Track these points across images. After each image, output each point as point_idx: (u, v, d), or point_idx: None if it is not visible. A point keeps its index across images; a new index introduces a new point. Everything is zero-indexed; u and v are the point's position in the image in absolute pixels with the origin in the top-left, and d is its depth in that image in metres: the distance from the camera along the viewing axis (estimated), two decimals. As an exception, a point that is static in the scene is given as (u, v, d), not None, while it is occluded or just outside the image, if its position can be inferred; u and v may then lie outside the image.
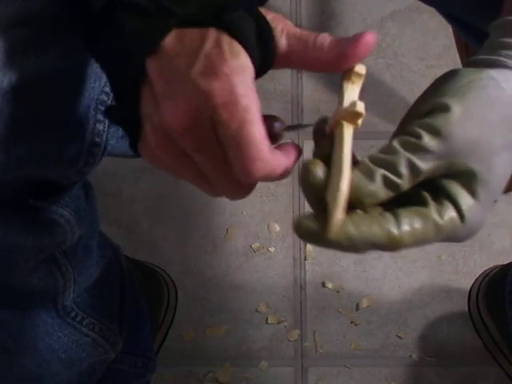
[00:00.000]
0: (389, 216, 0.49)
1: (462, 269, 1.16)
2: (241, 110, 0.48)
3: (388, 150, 0.49)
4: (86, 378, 0.91)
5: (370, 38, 0.50)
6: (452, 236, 0.50)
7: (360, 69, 0.52)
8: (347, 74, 0.52)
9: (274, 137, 0.52)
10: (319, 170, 0.49)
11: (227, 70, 0.48)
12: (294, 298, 1.15)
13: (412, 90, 1.30)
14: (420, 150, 0.48)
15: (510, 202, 1.20)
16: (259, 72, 0.51)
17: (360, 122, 0.51)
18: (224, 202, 1.21)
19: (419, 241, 0.49)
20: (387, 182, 0.48)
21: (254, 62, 0.50)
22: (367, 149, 1.25)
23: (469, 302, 1.11)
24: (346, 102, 0.51)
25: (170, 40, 0.50)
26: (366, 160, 0.49)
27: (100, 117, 0.67)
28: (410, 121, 0.51)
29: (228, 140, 0.49)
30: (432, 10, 0.84)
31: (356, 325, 1.13)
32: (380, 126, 1.27)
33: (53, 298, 0.79)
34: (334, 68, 0.51)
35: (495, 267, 1.12)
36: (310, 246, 1.17)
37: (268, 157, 0.49)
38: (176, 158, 0.51)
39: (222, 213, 1.21)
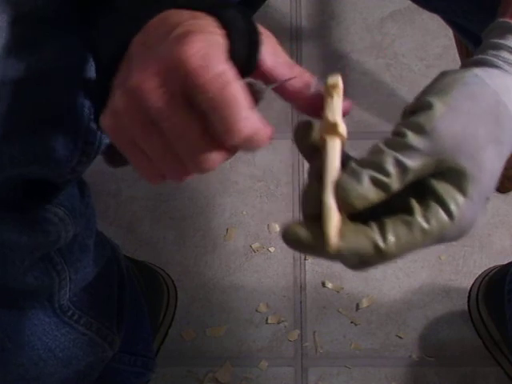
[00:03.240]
0: (374, 226, 0.48)
1: (461, 269, 1.16)
2: (217, 73, 0.47)
3: (374, 150, 0.49)
4: (84, 376, 0.91)
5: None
6: (444, 237, 0.50)
7: (333, 81, 0.52)
8: (325, 89, 0.52)
9: (254, 97, 0.51)
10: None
11: (203, 38, 0.47)
12: (293, 297, 1.15)
13: (412, 90, 1.30)
14: (405, 147, 0.48)
15: (510, 202, 1.20)
16: (243, 71, 0.50)
17: (342, 131, 0.51)
18: (224, 201, 1.21)
19: (407, 249, 0.48)
20: (376, 182, 0.48)
21: (234, 57, 0.49)
22: (367, 149, 1.25)
23: (468, 301, 1.11)
24: (332, 115, 0.51)
25: (159, 17, 0.50)
26: (352, 163, 0.49)
27: (94, 115, 0.67)
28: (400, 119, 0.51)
29: (207, 103, 0.47)
30: (432, 9, 0.84)
31: (356, 325, 1.13)
32: (380, 126, 1.27)
33: (49, 296, 0.79)
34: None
35: (495, 267, 1.12)
36: (309, 246, 1.17)
37: (252, 115, 0.48)
38: (141, 126, 0.49)
39: (222, 213, 1.21)
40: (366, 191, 0.48)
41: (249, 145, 0.50)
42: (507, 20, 0.54)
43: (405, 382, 1.09)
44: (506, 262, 1.09)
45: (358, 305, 1.14)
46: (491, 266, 1.13)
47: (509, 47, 0.53)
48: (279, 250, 1.18)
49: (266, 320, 1.13)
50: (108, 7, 0.53)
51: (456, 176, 0.49)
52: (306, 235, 0.48)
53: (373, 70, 1.32)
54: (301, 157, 1.29)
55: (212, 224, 1.20)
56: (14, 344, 0.83)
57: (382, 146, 0.49)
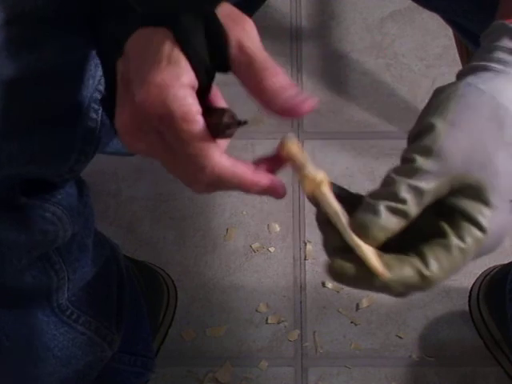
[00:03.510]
0: (413, 255, 0.49)
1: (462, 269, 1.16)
2: (175, 121, 0.48)
3: (386, 182, 0.50)
4: (83, 376, 0.91)
5: (311, 105, 0.50)
6: (481, 251, 0.50)
7: (292, 146, 0.53)
8: (286, 153, 0.53)
9: (219, 132, 0.51)
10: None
11: (160, 80, 0.48)
12: (293, 297, 1.15)
13: (412, 90, 1.30)
14: (416, 172, 0.49)
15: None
16: (210, 75, 0.51)
17: (324, 179, 0.52)
18: (224, 201, 1.21)
19: (449, 272, 0.49)
20: (393, 211, 0.49)
21: (196, 68, 0.50)
22: (367, 149, 1.25)
23: (469, 301, 1.11)
24: (308, 171, 0.51)
25: (130, 41, 0.51)
26: (367, 197, 0.50)
27: (93, 115, 0.67)
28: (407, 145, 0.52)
29: (173, 145, 0.50)
30: (432, 10, 0.84)
31: (356, 325, 1.13)
32: (380, 126, 1.27)
33: (47, 296, 0.79)
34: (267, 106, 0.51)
35: (496, 267, 1.12)
36: (310, 246, 1.17)
37: (215, 163, 0.50)
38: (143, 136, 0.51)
39: (222, 213, 1.21)
40: (385, 222, 0.48)
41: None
42: (503, 22, 0.54)
43: (405, 382, 1.09)
44: (506, 262, 1.09)
45: (358, 305, 1.14)
46: (491, 265, 1.13)
47: (502, 47, 0.53)
48: (279, 250, 1.18)
49: (266, 320, 1.13)
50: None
51: (474, 189, 0.49)
52: (353, 270, 0.49)
53: (373, 70, 1.32)
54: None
55: (212, 224, 1.20)
56: (13, 343, 0.83)
57: (392, 175, 0.49)
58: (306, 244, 1.17)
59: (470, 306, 1.11)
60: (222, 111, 0.51)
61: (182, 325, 1.13)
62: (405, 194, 0.48)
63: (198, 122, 0.49)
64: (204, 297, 1.15)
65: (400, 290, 0.49)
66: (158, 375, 1.09)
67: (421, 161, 0.49)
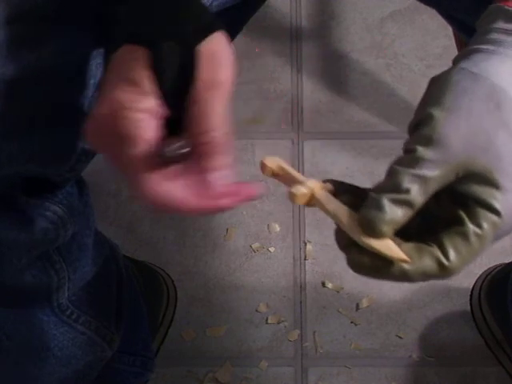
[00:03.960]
0: (433, 245, 0.49)
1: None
2: (122, 141, 0.51)
3: (388, 174, 0.50)
4: (83, 376, 0.91)
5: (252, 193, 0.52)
6: (498, 235, 0.50)
7: (276, 164, 0.54)
8: (271, 171, 0.54)
9: (163, 160, 0.52)
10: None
11: (119, 99, 0.51)
12: (293, 297, 1.15)
13: (412, 90, 1.29)
14: (418, 162, 0.49)
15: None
16: (176, 106, 0.52)
17: (318, 188, 0.52)
18: (224, 201, 1.21)
19: (468, 259, 0.49)
20: (397, 202, 0.49)
21: (163, 96, 0.51)
22: (367, 149, 1.25)
23: (471, 300, 1.11)
24: (295, 188, 0.52)
25: (115, 55, 0.53)
26: (370, 193, 0.50)
27: None
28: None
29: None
30: (432, 10, 0.84)
31: (356, 325, 1.13)
32: (380, 126, 1.27)
33: (47, 295, 0.79)
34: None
35: (497, 266, 1.12)
36: (310, 246, 1.17)
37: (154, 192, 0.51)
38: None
39: (222, 213, 1.21)
40: (390, 216, 0.48)
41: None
42: (498, 4, 0.53)
43: (405, 382, 1.09)
44: (506, 262, 1.09)
45: (358, 305, 1.14)
46: (491, 265, 1.13)
47: (497, 28, 0.52)
48: (279, 250, 1.18)
49: (266, 320, 1.13)
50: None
51: (481, 174, 0.49)
52: (369, 261, 0.49)
53: (373, 70, 1.32)
54: (301, 157, 1.29)
55: (212, 224, 1.20)
56: (13, 343, 0.83)
57: (394, 166, 0.49)
58: (305, 244, 1.17)
59: (471, 305, 1.11)
60: (175, 142, 0.52)
61: (181, 325, 1.13)
62: (408, 184, 0.48)
63: (141, 147, 0.51)
64: (204, 297, 1.15)
65: (419, 279, 0.49)
66: (158, 375, 1.09)
67: (422, 150, 0.49)
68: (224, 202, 0.52)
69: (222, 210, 0.53)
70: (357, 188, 0.53)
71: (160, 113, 0.52)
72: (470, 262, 0.49)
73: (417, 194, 0.48)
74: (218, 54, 0.52)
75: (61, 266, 0.77)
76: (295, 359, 1.11)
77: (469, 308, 1.11)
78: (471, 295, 1.11)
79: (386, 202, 0.48)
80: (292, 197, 0.52)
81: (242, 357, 1.11)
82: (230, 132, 0.52)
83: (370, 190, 0.51)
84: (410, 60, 1.33)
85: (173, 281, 1.14)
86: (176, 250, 1.18)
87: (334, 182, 0.53)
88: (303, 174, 1.28)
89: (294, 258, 1.17)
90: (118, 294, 0.94)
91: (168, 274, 1.14)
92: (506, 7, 0.53)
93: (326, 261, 1.16)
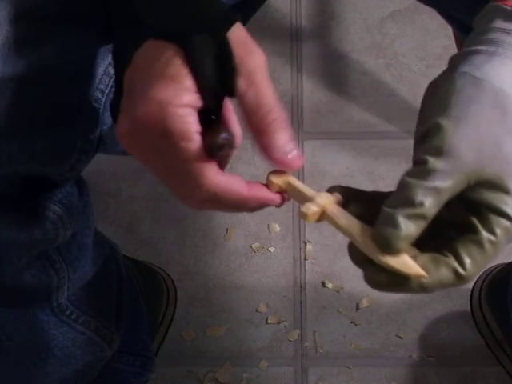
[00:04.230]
0: (447, 253, 0.50)
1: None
2: (173, 138, 0.50)
3: (400, 186, 0.50)
4: (83, 376, 0.91)
5: (299, 163, 0.53)
6: (510, 239, 0.50)
7: (281, 180, 0.54)
8: (278, 186, 0.54)
9: (213, 152, 0.52)
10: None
11: (161, 97, 0.50)
12: (293, 297, 1.15)
13: (412, 90, 1.30)
14: (430, 174, 0.49)
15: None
16: (218, 98, 0.52)
17: (329, 203, 0.52)
18: (224, 201, 1.21)
19: (483, 266, 0.50)
20: (412, 218, 0.49)
21: (202, 90, 0.51)
22: (367, 149, 1.25)
23: (471, 300, 1.11)
24: (305, 207, 0.52)
25: (140, 52, 0.52)
26: (384, 207, 0.50)
27: (94, 114, 0.67)
28: (416, 145, 0.52)
29: (170, 160, 0.52)
30: (432, 10, 0.84)
31: (356, 325, 1.13)
32: (380, 126, 1.27)
33: (47, 295, 0.79)
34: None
35: (498, 265, 1.11)
36: (310, 246, 1.17)
37: (209, 183, 0.52)
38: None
39: (222, 213, 1.20)
40: (406, 231, 0.49)
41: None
42: (496, 4, 0.53)
43: (405, 382, 1.09)
44: (506, 261, 1.09)
45: (358, 305, 1.14)
46: (491, 265, 1.13)
47: (495, 28, 0.52)
48: (279, 250, 1.18)
49: (266, 320, 1.13)
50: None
51: (491, 181, 0.49)
52: (386, 278, 0.50)
53: (373, 70, 1.32)
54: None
55: (212, 224, 1.20)
56: (12, 343, 0.83)
57: (406, 179, 0.49)
58: (305, 244, 1.17)
59: (471, 305, 1.11)
60: (220, 132, 0.52)
61: (181, 325, 1.13)
62: (421, 197, 0.48)
63: (195, 140, 0.50)
64: (204, 297, 1.15)
65: (437, 289, 0.50)
66: (158, 375, 1.09)
67: (433, 161, 0.49)
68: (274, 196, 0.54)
69: (269, 200, 0.54)
70: (363, 193, 0.54)
71: (200, 106, 0.51)
72: (484, 268, 0.50)
73: (431, 206, 0.49)
74: (248, 39, 0.52)
75: (60, 266, 0.77)
76: (295, 359, 1.11)
77: (469, 308, 1.11)
78: (471, 295, 1.11)
79: (400, 219, 0.48)
80: (303, 216, 0.52)
81: (242, 357, 1.11)
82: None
83: (374, 193, 0.51)
84: (410, 60, 1.33)
85: (173, 281, 1.14)
86: (176, 250, 1.18)
87: (341, 190, 0.53)
88: (303, 173, 1.29)
89: (294, 258, 1.17)
90: (118, 294, 0.94)
91: (168, 274, 1.14)
92: (504, 6, 0.53)
93: (326, 261, 1.16)
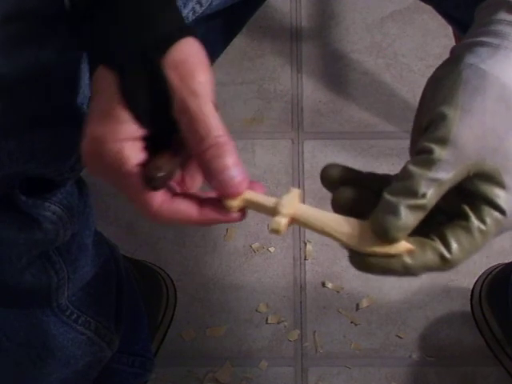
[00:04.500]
0: (435, 237, 0.50)
1: (461, 269, 1.16)
2: (112, 173, 0.51)
3: (404, 174, 0.50)
4: (82, 376, 0.91)
5: (240, 190, 0.51)
6: (500, 231, 0.51)
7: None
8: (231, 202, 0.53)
9: (146, 184, 0.51)
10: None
11: (97, 135, 0.51)
12: (293, 297, 1.15)
13: (412, 89, 1.30)
14: (434, 163, 0.49)
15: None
16: (159, 123, 0.51)
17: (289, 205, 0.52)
18: (224, 201, 1.21)
19: (470, 253, 0.50)
20: (414, 208, 0.49)
21: (139, 119, 0.51)
22: (367, 149, 1.25)
23: (471, 300, 1.11)
24: (273, 222, 0.52)
25: (94, 77, 0.52)
26: (386, 195, 0.49)
27: None
28: (417, 135, 0.52)
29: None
30: (432, 10, 0.84)
31: (356, 325, 1.13)
32: (380, 126, 1.27)
33: (47, 295, 0.79)
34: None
35: (498, 265, 1.12)
36: (310, 246, 1.17)
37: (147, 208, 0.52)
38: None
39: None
40: (405, 221, 0.49)
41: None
42: None
43: (405, 382, 1.09)
44: (506, 261, 1.09)
45: (358, 305, 1.14)
46: (491, 266, 1.13)
47: (499, 20, 0.52)
48: (279, 250, 1.18)
49: (266, 320, 1.13)
50: None
51: (489, 173, 0.50)
52: (376, 261, 0.50)
53: (373, 70, 1.32)
54: (301, 157, 1.29)
55: (212, 224, 1.20)
56: (11, 343, 0.83)
57: (411, 167, 0.49)
58: (305, 244, 1.17)
59: (471, 305, 1.11)
60: (162, 162, 0.51)
61: (181, 325, 1.13)
62: (424, 188, 0.49)
63: (134, 175, 0.51)
64: (204, 297, 1.15)
65: (422, 272, 0.50)
66: (158, 375, 1.09)
67: (438, 151, 0.49)
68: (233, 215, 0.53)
69: (222, 220, 0.53)
70: (359, 174, 0.53)
71: (140, 135, 0.51)
72: (471, 255, 0.50)
73: (432, 197, 0.49)
74: (188, 60, 0.51)
75: (60, 266, 0.77)
76: (295, 359, 1.11)
77: (469, 308, 1.11)
78: (472, 295, 1.11)
79: (402, 209, 0.49)
80: (275, 232, 0.52)
81: (242, 357, 1.11)
82: (228, 131, 0.51)
83: (370, 175, 0.51)
84: (410, 60, 1.33)
85: (172, 281, 1.14)
86: (176, 250, 1.18)
87: (338, 170, 0.54)
88: (303, 173, 1.28)
89: (294, 258, 1.17)
90: (118, 295, 0.94)
91: (168, 274, 1.14)
92: None
93: (326, 261, 1.16)
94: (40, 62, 0.58)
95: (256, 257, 1.17)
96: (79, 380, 0.91)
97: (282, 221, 0.51)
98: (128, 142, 0.51)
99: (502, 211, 0.50)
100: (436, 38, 1.34)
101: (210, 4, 0.68)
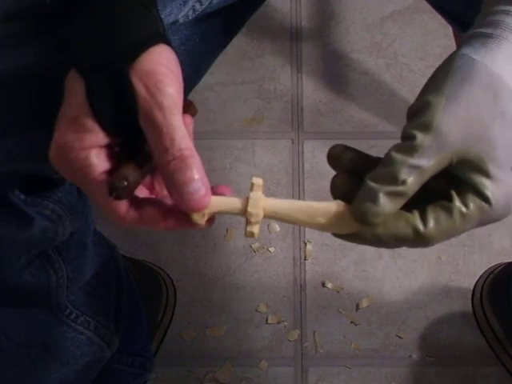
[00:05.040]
0: (416, 213, 0.50)
1: (461, 269, 1.16)
2: (79, 181, 0.51)
3: (386, 161, 0.50)
4: (82, 376, 0.91)
5: (203, 204, 0.51)
6: (485, 220, 0.51)
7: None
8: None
9: (113, 193, 0.51)
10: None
11: (63, 142, 0.51)
12: (293, 298, 1.15)
13: (412, 90, 1.30)
14: (417, 149, 0.49)
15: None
16: (126, 131, 0.51)
17: (257, 212, 0.52)
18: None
19: (447, 233, 0.50)
20: (393, 195, 0.49)
21: (105, 127, 0.50)
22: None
23: (472, 299, 1.11)
24: (248, 228, 0.52)
25: (66, 82, 0.52)
26: (367, 180, 0.50)
27: None
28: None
29: None
30: (432, 10, 0.84)
31: (356, 325, 1.13)
32: (380, 126, 1.27)
33: (46, 295, 0.79)
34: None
35: (499, 265, 1.11)
36: (310, 246, 1.17)
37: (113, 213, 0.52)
38: None
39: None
40: (382, 208, 0.49)
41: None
42: None
43: (405, 382, 1.09)
44: (506, 261, 1.09)
45: (357, 305, 1.14)
46: (491, 266, 1.13)
47: (497, 10, 0.52)
48: (279, 250, 1.18)
49: (266, 320, 1.13)
50: None
51: (474, 162, 0.50)
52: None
53: (373, 70, 1.32)
54: (301, 157, 1.29)
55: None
56: (11, 342, 0.83)
57: (393, 154, 0.50)
58: (305, 244, 1.17)
59: (473, 304, 1.11)
60: (125, 171, 0.51)
61: (181, 325, 1.13)
62: (404, 175, 0.49)
63: (99, 183, 0.51)
64: (204, 297, 1.15)
65: (393, 243, 0.51)
66: (158, 375, 1.09)
67: (421, 137, 0.49)
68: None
69: (186, 227, 0.53)
70: (368, 158, 0.54)
71: (107, 143, 0.51)
72: (449, 237, 0.51)
73: (412, 184, 0.49)
74: (156, 70, 0.50)
75: (59, 266, 0.77)
76: (295, 359, 1.11)
77: (469, 308, 1.11)
78: (473, 294, 1.11)
79: (380, 196, 0.49)
80: (251, 235, 0.52)
81: (242, 357, 1.11)
82: (192, 145, 0.50)
83: (365, 179, 0.51)
84: (410, 60, 1.33)
85: (172, 281, 1.14)
86: (176, 250, 1.18)
87: (347, 153, 0.56)
88: (303, 173, 1.28)
89: (294, 258, 1.17)
90: (117, 294, 0.94)
91: (168, 274, 1.14)
92: None
93: (326, 261, 1.16)
94: (39, 61, 0.58)
95: (256, 257, 1.17)
96: (79, 380, 0.91)
97: (253, 227, 0.52)
98: (94, 150, 0.51)
99: (486, 200, 0.50)
100: (436, 37, 1.34)
101: (210, 2, 0.68)
